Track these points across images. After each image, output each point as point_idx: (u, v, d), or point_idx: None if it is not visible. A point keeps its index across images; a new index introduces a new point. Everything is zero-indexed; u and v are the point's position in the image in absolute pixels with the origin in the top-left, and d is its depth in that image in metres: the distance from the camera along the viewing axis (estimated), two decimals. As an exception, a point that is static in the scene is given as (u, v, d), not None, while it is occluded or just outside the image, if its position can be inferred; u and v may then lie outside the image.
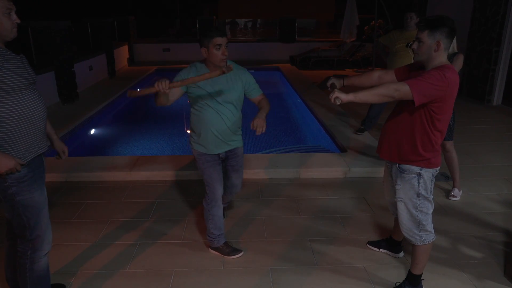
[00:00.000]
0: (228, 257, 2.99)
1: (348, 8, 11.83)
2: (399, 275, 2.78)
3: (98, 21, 9.84)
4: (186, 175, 4.34)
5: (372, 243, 3.13)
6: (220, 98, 2.71)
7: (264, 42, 13.87)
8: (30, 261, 2.22)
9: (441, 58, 2.27)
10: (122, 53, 11.77)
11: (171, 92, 2.57)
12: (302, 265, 2.91)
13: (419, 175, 2.39)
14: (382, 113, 5.36)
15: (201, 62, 2.77)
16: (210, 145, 2.81)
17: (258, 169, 4.39)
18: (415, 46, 2.30)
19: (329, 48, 13.02)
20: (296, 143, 6.25)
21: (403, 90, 2.13)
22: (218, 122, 2.75)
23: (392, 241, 3.02)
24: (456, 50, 3.53)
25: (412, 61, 2.44)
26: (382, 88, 2.17)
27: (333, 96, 2.17)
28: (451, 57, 3.45)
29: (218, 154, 2.88)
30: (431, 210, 2.47)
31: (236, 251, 3.02)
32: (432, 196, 2.46)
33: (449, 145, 3.82)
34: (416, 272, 2.57)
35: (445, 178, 4.24)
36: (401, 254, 3.01)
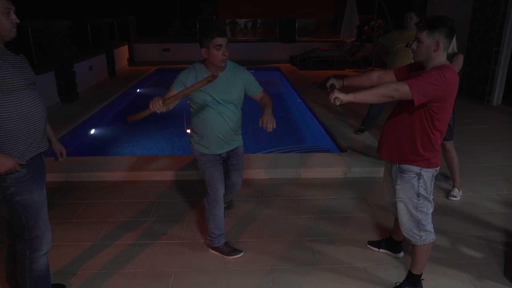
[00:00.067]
0: (228, 257, 2.99)
1: (348, 8, 11.83)
2: (399, 275, 2.78)
3: (98, 21, 9.84)
4: (186, 175, 4.34)
5: (372, 243, 3.13)
6: (221, 98, 2.71)
7: (264, 42, 13.86)
8: (29, 261, 2.22)
9: (441, 58, 2.27)
10: (122, 53, 11.77)
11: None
12: (302, 265, 2.91)
13: (419, 175, 2.39)
14: (382, 113, 5.36)
15: (200, 63, 2.76)
16: (212, 146, 2.81)
17: (258, 169, 4.39)
18: (414, 46, 2.30)
19: (329, 48, 13.01)
20: (296, 143, 6.25)
21: (402, 90, 2.13)
22: (220, 123, 2.75)
23: (392, 241, 3.02)
24: (456, 50, 3.53)
25: (412, 61, 2.44)
26: (381, 88, 2.17)
27: (333, 97, 2.17)
28: (451, 57, 3.45)
29: (220, 154, 2.88)
30: (431, 210, 2.47)
31: (236, 251, 3.02)
32: (432, 196, 2.46)
33: (449, 145, 3.82)
34: (416, 272, 2.57)
35: (445, 178, 4.24)
36: (401, 254, 3.01)
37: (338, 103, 2.17)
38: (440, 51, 2.25)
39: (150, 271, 2.85)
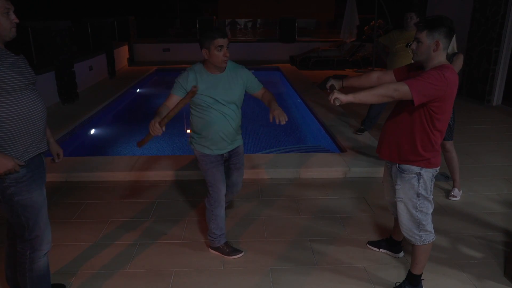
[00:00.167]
0: (228, 257, 2.99)
1: (348, 8, 11.83)
2: (399, 275, 2.78)
3: (98, 21, 9.84)
4: (186, 175, 4.34)
5: (372, 243, 3.13)
6: (223, 99, 2.70)
7: (264, 42, 13.86)
8: (29, 261, 2.22)
9: (440, 58, 2.27)
10: (122, 53, 11.77)
11: (171, 105, 2.62)
12: (302, 265, 2.91)
13: (419, 175, 2.39)
14: (382, 113, 5.36)
15: (200, 64, 2.74)
16: (215, 146, 2.80)
17: (258, 169, 4.39)
18: (414, 46, 2.30)
19: (329, 48, 13.01)
20: (296, 143, 6.25)
21: (402, 90, 2.13)
22: (223, 124, 2.75)
23: (392, 241, 3.02)
24: (456, 50, 3.53)
25: (412, 61, 2.44)
26: (381, 88, 2.18)
27: (333, 97, 2.17)
28: (451, 57, 3.45)
29: (222, 154, 2.88)
30: (431, 210, 2.47)
31: (236, 251, 3.02)
32: (432, 196, 2.46)
33: (449, 145, 3.82)
34: (416, 272, 2.57)
35: (445, 178, 4.24)
36: (401, 254, 3.01)
37: (338, 104, 2.17)
38: (440, 51, 2.25)
39: (150, 271, 2.85)
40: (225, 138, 2.79)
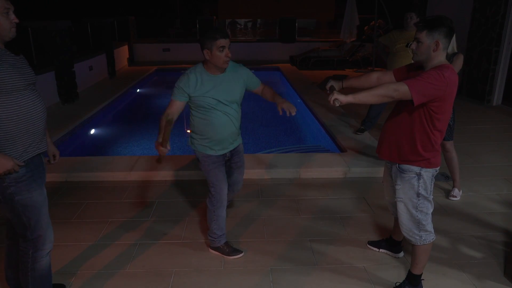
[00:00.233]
0: (228, 257, 2.99)
1: (348, 8, 11.83)
2: (399, 275, 2.78)
3: (98, 21, 9.85)
4: (186, 175, 4.34)
5: (372, 243, 3.13)
6: (226, 100, 2.70)
7: (264, 42, 13.86)
8: (32, 260, 2.22)
9: (440, 57, 2.27)
10: (122, 53, 11.77)
11: (174, 116, 2.66)
12: (302, 265, 2.91)
13: (419, 175, 2.39)
14: (382, 113, 5.36)
15: (201, 65, 2.71)
16: (218, 147, 2.80)
17: (258, 169, 4.39)
18: (414, 46, 2.30)
19: (329, 48, 13.01)
20: (296, 143, 6.25)
21: (402, 90, 2.14)
22: (227, 124, 2.75)
23: (392, 241, 3.02)
24: (456, 50, 3.53)
25: (412, 61, 2.44)
26: (381, 88, 2.18)
27: (332, 98, 2.17)
28: (451, 57, 3.45)
29: (224, 154, 2.88)
30: (431, 210, 2.47)
31: (236, 251, 3.02)
32: (432, 196, 2.46)
33: (449, 145, 3.82)
34: (416, 272, 2.57)
35: (445, 178, 4.24)
36: (401, 254, 3.01)
37: (337, 105, 2.18)
38: (440, 51, 2.25)
39: (150, 271, 2.85)
40: (228, 138, 2.80)
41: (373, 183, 4.26)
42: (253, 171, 4.34)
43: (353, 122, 6.09)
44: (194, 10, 21.05)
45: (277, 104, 2.73)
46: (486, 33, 7.52)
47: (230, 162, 2.97)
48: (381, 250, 3.06)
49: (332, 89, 2.48)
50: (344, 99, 2.16)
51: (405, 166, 2.42)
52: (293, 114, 2.65)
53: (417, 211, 2.44)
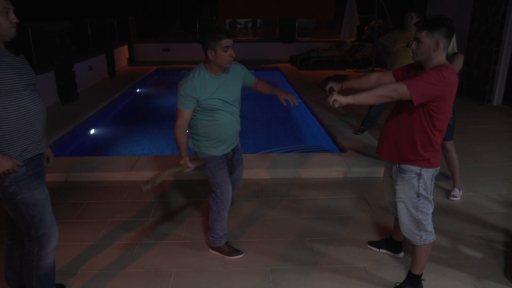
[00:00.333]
0: (228, 257, 2.98)
1: (348, 8, 11.82)
2: (399, 275, 2.78)
3: (98, 21, 9.84)
4: (186, 175, 4.32)
5: (372, 243, 3.13)
6: (230, 99, 2.70)
7: (264, 42, 13.86)
8: (36, 258, 2.22)
9: (440, 57, 2.27)
10: (122, 53, 11.77)
11: (186, 127, 2.68)
12: (302, 265, 2.91)
13: (419, 175, 2.39)
14: (382, 113, 5.36)
15: (203, 67, 2.64)
16: (223, 147, 2.80)
17: (258, 169, 4.39)
18: (414, 46, 2.30)
19: (329, 48, 13.00)
20: (296, 143, 6.25)
21: (401, 90, 2.14)
22: (233, 123, 2.76)
23: (392, 241, 3.02)
24: (456, 50, 3.53)
25: (412, 61, 2.44)
26: (380, 89, 2.18)
27: (332, 99, 2.18)
28: (451, 57, 3.45)
29: (227, 154, 2.88)
30: (431, 210, 2.47)
31: (237, 251, 3.02)
32: (432, 196, 2.46)
33: (449, 145, 3.82)
34: (416, 272, 2.57)
35: (445, 178, 4.24)
36: (401, 254, 3.01)
37: (337, 106, 2.18)
38: (440, 50, 2.25)
39: (150, 271, 2.85)
40: (233, 137, 2.82)
41: (373, 183, 4.25)
42: (253, 171, 4.34)
43: (353, 122, 6.09)
44: (194, 10, 21.03)
45: (279, 96, 2.79)
46: (486, 33, 7.52)
47: (232, 161, 2.98)
48: (381, 250, 3.06)
49: (331, 90, 2.48)
50: (343, 100, 2.16)
51: (405, 166, 2.42)
52: (297, 104, 2.75)
53: (417, 211, 2.43)
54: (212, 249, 3.04)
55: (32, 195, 2.11)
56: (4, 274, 2.49)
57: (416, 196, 2.41)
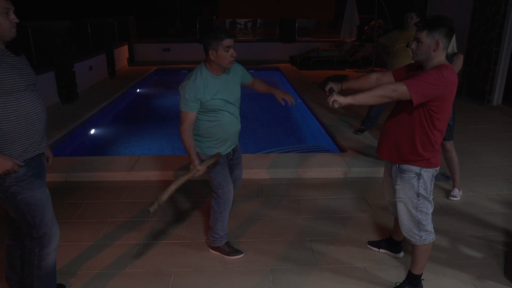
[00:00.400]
0: (228, 257, 2.98)
1: (348, 8, 11.83)
2: (399, 275, 2.78)
3: (98, 21, 9.84)
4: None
5: (372, 243, 3.13)
6: (232, 99, 2.71)
7: (264, 42, 13.86)
8: (38, 258, 2.22)
9: (440, 57, 2.27)
10: (122, 53, 11.77)
11: (192, 125, 2.65)
12: (302, 265, 2.91)
13: (418, 175, 2.39)
14: (382, 113, 5.36)
15: (204, 68, 2.62)
16: (225, 146, 2.80)
17: (258, 169, 4.39)
18: (414, 46, 2.30)
19: (329, 48, 13.01)
20: (296, 143, 6.25)
21: (401, 90, 2.14)
22: (234, 123, 2.76)
23: (392, 241, 3.02)
24: (456, 50, 3.53)
25: (412, 61, 2.44)
26: (380, 89, 2.18)
27: (331, 100, 2.18)
28: (451, 57, 3.45)
29: (228, 153, 2.88)
30: (431, 210, 2.47)
31: (237, 252, 3.02)
32: (432, 196, 2.46)
33: (449, 145, 3.82)
34: (416, 272, 2.57)
35: (445, 178, 4.24)
36: (401, 254, 3.01)
37: (336, 106, 2.18)
38: (440, 50, 2.25)
39: (150, 271, 2.85)
40: (234, 136, 2.83)
41: (373, 183, 4.26)
42: (253, 171, 4.34)
43: (353, 122, 6.09)
44: (194, 10, 21.03)
45: (276, 95, 2.86)
46: (486, 33, 7.52)
47: (232, 160, 2.98)
48: (381, 250, 3.06)
49: (331, 91, 2.48)
50: (343, 100, 2.16)
51: (405, 166, 2.42)
52: (294, 103, 2.83)
53: (417, 211, 2.44)
54: (212, 249, 3.04)
55: (33, 195, 2.11)
56: (5, 274, 2.49)
57: (416, 196, 2.41)
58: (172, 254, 3.04)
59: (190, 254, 3.05)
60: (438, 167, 2.43)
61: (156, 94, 10.20)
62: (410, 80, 2.17)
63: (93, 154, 5.62)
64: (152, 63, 12.35)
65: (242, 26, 20.42)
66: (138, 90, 9.86)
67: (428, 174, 2.39)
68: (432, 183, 2.44)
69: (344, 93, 2.30)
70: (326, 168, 4.46)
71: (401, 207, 2.49)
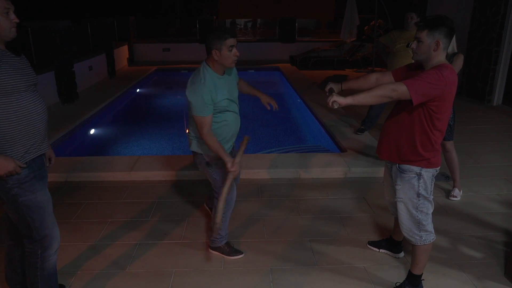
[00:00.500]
0: (228, 257, 2.98)
1: (348, 8, 11.82)
2: (399, 275, 2.78)
3: (98, 21, 9.84)
4: (186, 175, 4.34)
5: (372, 243, 3.13)
6: (234, 97, 2.72)
7: (264, 42, 13.86)
8: (41, 260, 2.22)
9: (440, 57, 2.27)
10: (122, 53, 11.77)
11: (211, 127, 2.61)
12: (302, 265, 2.91)
13: (419, 175, 2.39)
14: (382, 113, 5.36)
15: (208, 68, 2.58)
16: (228, 144, 2.80)
17: (258, 169, 4.39)
18: (414, 45, 2.30)
19: (329, 48, 13.01)
20: (296, 143, 6.25)
21: (400, 90, 2.14)
22: (237, 121, 2.78)
23: (392, 241, 3.02)
24: (456, 50, 3.53)
25: (412, 61, 2.44)
26: (379, 89, 2.18)
27: (331, 100, 2.18)
28: (451, 57, 3.45)
29: (230, 152, 2.88)
30: (431, 210, 2.47)
31: (237, 252, 3.02)
32: (432, 196, 2.46)
33: (449, 145, 3.82)
34: (416, 272, 2.57)
35: (445, 178, 4.24)
36: (401, 254, 3.01)
37: (336, 107, 2.18)
38: (440, 50, 2.25)
39: (150, 271, 2.85)
40: (236, 134, 2.84)
41: (373, 183, 4.26)
42: (253, 171, 4.34)
43: (353, 122, 6.09)
44: (194, 10, 21.04)
45: (262, 99, 2.92)
46: (486, 33, 7.52)
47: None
48: (381, 250, 3.06)
49: (331, 91, 2.48)
50: (343, 101, 2.16)
51: (405, 166, 2.42)
52: (277, 108, 2.99)
53: (417, 211, 2.44)
54: (212, 249, 3.04)
55: (34, 197, 2.10)
56: (5, 274, 2.49)
57: (416, 196, 2.41)
58: (172, 254, 3.04)
59: (190, 254, 3.05)
60: (438, 167, 2.43)
61: (156, 94, 10.20)
62: (410, 80, 2.17)
63: (93, 154, 5.62)
64: (152, 63, 12.35)
65: (242, 26, 20.42)
66: (138, 90, 9.86)
67: (428, 174, 2.39)
68: (432, 183, 2.44)
69: (344, 93, 2.31)
70: (326, 168, 4.46)
71: (401, 207, 2.49)
